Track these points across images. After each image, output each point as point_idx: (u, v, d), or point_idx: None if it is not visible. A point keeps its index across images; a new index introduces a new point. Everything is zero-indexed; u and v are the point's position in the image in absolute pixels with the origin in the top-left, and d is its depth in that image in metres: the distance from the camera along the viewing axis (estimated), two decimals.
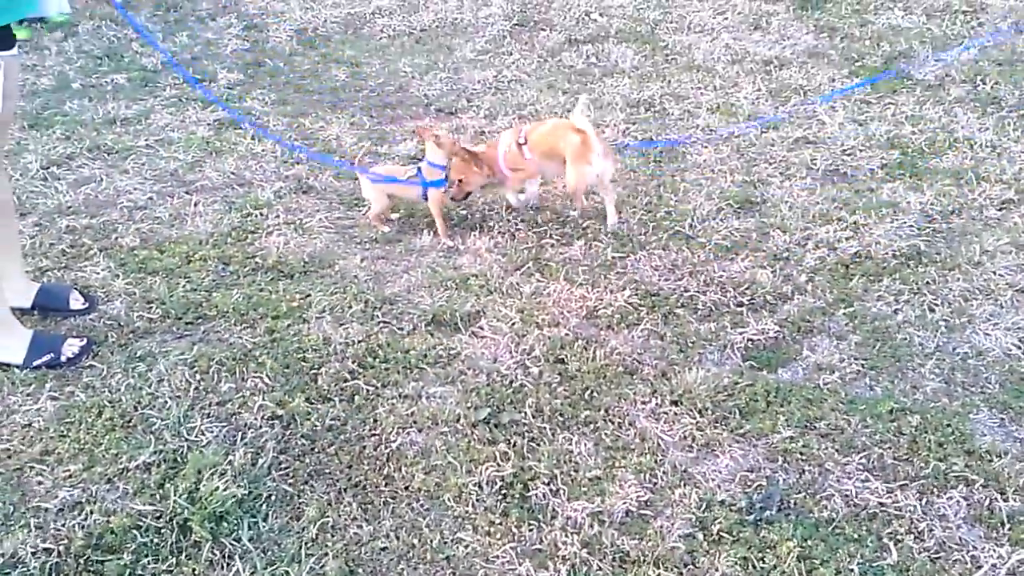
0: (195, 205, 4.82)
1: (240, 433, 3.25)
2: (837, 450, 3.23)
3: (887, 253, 4.57)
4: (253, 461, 3.15)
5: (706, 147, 5.80)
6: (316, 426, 3.30)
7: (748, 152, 5.76)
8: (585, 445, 3.22)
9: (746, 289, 4.22)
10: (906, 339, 3.90)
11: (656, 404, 3.43)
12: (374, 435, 3.28)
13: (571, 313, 3.99)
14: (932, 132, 5.98)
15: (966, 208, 5.09)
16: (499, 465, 3.11)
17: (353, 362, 3.60)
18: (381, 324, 3.89)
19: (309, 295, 4.07)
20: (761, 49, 7.29)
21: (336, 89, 6.62)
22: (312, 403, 3.41)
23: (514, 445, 3.21)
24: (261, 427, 3.29)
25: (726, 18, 7.78)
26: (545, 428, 3.29)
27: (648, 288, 4.22)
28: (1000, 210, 5.09)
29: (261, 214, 4.79)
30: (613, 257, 4.49)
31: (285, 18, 7.95)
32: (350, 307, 3.99)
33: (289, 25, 7.79)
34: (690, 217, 4.88)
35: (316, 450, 3.22)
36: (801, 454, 3.22)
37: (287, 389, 3.46)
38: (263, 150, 5.53)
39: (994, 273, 4.41)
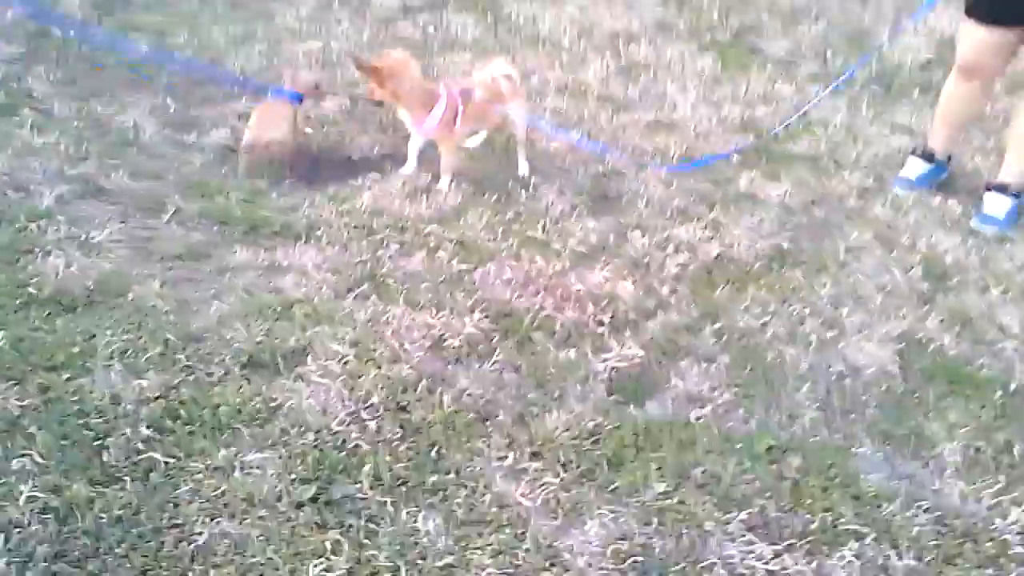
0: None
1: (2, 535, 2.56)
2: (716, 504, 2.88)
3: (750, 255, 4.28)
4: (20, 573, 2.47)
5: (556, 133, 5.34)
6: (101, 517, 2.66)
7: (600, 137, 5.35)
8: (434, 522, 2.72)
9: (607, 305, 3.82)
10: (778, 358, 3.60)
11: (514, 459, 2.97)
12: (175, 526, 2.67)
13: (414, 345, 3.46)
14: (786, 112, 5.74)
15: (826, 198, 4.89)
16: (330, 559, 2.57)
17: (148, 426, 2.95)
18: (185, 370, 3.24)
19: (94, 335, 3.36)
20: (608, 21, 6.89)
21: (136, 64, 5.73)
22: (96, 486, 2.75)
23: (348, 529, 2.68)
24: (30, 524, 2.61)
25: None
26: (386, 503, 2.77)
27: (500, 308, 3.74)
28: (860, 199, 4.91)
29: (38, 227, 3.98)
30: (460, 270, 3.98)
31: None
32: (146, 350, 3.31)
33: None
34: (543, 217, 4.42)
35: (102, 551, 2.58)
36: (677, 512, 2.84)
37: (64, 469, 2.79)
38: (44, 144, 4.66)
39: (861, 274, 4.20)
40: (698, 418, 3.26)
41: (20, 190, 4.29)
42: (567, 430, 3.10)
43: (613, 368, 3.46)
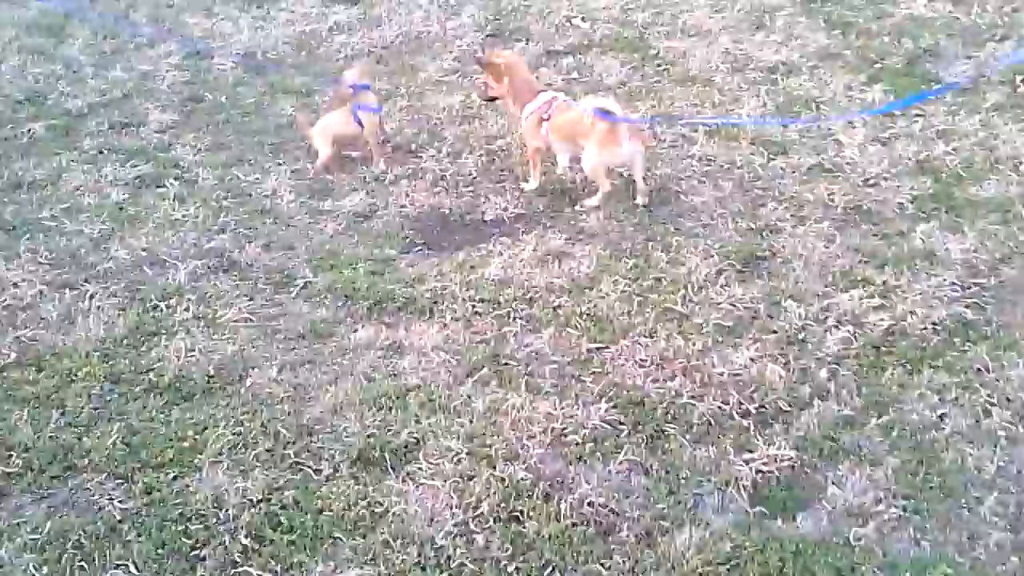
0: (90, 298, 4.01)
1: None
2: None
3: (925, 327, 3.72)
4: None
5: (704, 183, 4.92)
6: None
7: (754, 187, 4.89)
8: None
9: (753, 392, 3.39)
10: (957, 460, 3.06)
11: None
12: None
13: (533, 440, 3.16)
14: (969, 150, 5.09)
15: (1017, 254, 4.21)
16: None
17: (248, 535, 2.79)
18: (292, 467, 3.09)
19: (207, 428, 3.26)
20: (765, 53, 6.38)
21: (281, 127, 5.77)
22: None
23: None
24: None
25: (724, 17, 6.85)
26: None
27: (631, 395, 3.39)
28: None
29: (167, 306, 3.98)
30: (588, 350, 3.66)
31: (232, 41, 7.07)
32: (255, 443, 3.19)
33: (235, 49, 6.92)
34: (684, 285, 4.02)
35: None
36: None
37: None
38: (184, 216, 4.71)
39: None
40: (858, 539, 2.77)
41: (156, 265, 4.32)
42: (700, 552, 2.71)
43: (758, 472, 3.04)
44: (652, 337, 3.69)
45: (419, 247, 4.50)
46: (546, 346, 3.69)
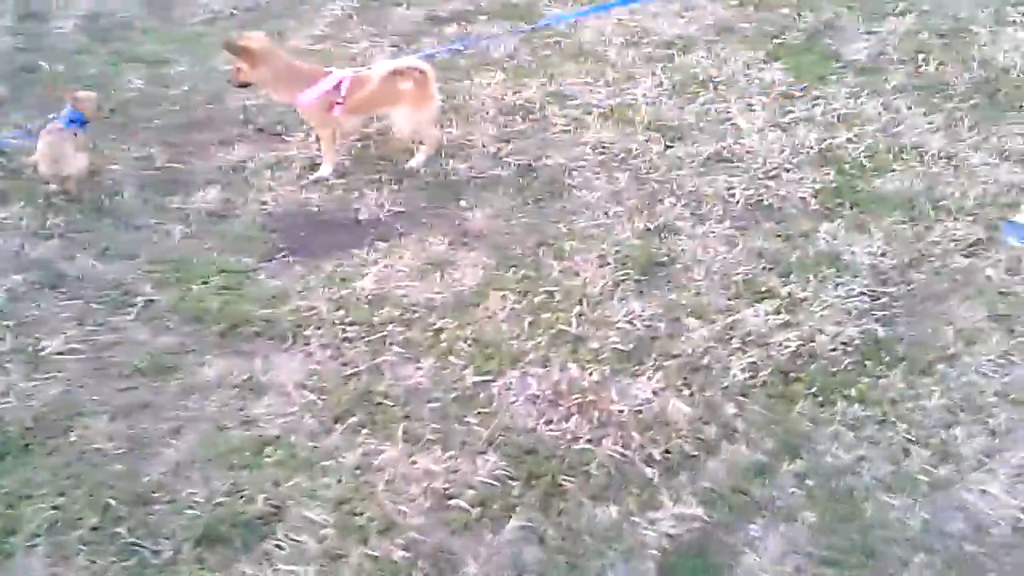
0: None
1: None
2: None
3: (835, 348, 3.46)
4: None
5: (598, 174, 4.53)
6: None
7: (650, 179, 4.53)
8: None
9: (656, 434, 3.03)
10: (879, 514, 2.80)
11: None
12: None
13: (412, 504, 2.74)
14: (872, 137, 4.85)
15: (926, 257, 4.00)
16: None
17: None
18: (125, 550, 2.58)
19: (22, 499, 2.72)
20: (661, 25, 6.01)
21: (126, 104, 5.07)
22: None
23: None
24: None
25: None
26: None
27: (522, 441, 3.01)
28: (967, 256, 4.01)
29: None
30: (475, 383, 3.24)
31: (73, 1, 6.24)
32: (80, 520, 2.68)
33: (77, 10, 6.10)
34: (579, 300, 3.64)
35: None
36: None
37: None
38: (5, 218, 4.04)
39: (976, 372, 3.33)
40: None
41: None
42: None
43: (666, 535, 2.69)
44: (545, 366, 3.31)
45: (283, 253, 3.98)
46: (426, 379, 3.25)
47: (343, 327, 3.49)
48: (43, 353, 3.32)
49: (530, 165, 4.64)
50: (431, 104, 4.40)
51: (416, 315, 3.56)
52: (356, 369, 3.29)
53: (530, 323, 3.51)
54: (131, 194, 4.30)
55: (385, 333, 3.47)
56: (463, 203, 4.35)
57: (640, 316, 3.57)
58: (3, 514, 2.71)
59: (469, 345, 3.40)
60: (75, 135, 4.17)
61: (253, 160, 4.59)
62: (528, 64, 5.55)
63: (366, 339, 3.44)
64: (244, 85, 4.44)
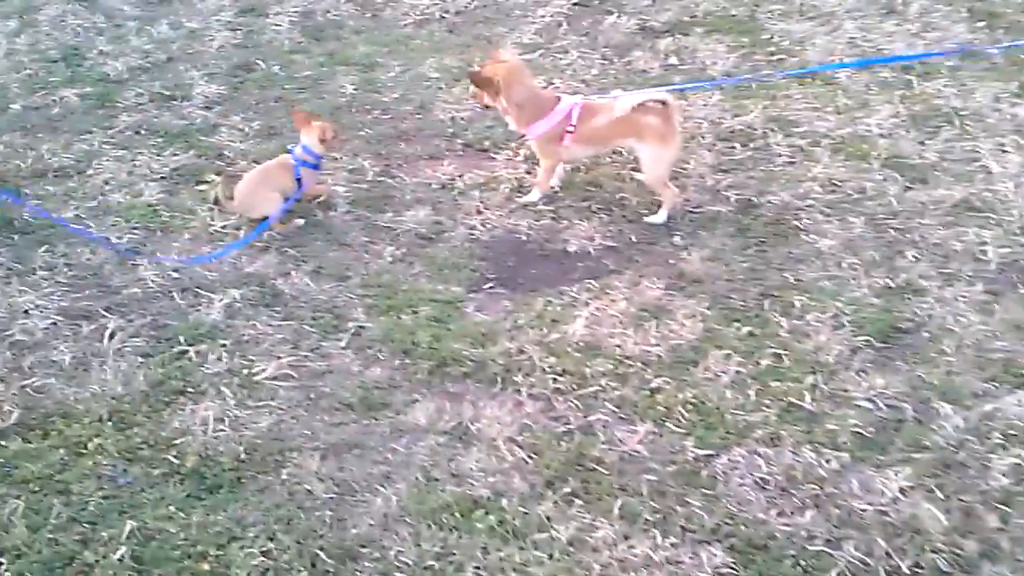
0: (109, 337, 3.43)
1: None
2: None
3: None
4: None
5: (828, 217, 4.15)
6: None
7: (888, 226, 4.11)
8: None
9: (905, 543, 2.69)
10: None
11: None
12: None
13: None
14: None
15: None
16: None
17: None
18: None
19: (232, 539, 2.68)
20: (897, 45, 5.47)
21: (338, 110, 5.08)
22: None
23: None
24: None
25: None
26: None
27: (751, 534, 2.74)
28: None
29: (198, 354, 3.39)
30: (695, 459, 2.97)
31: None
32: (289, 570, 2.60)
33: (293, 6, 6.18)
34: (812, 368, 3.31)
35: None
36: None
37: None
38: (224, 227, 4.09)
39: None
40: None
41: (188, 293, 3.72)
42: None
43: None
44: (775, 445, 3.01)
45: (490, 284, 3.84)
46: (643, 447, 3.01)
47: (554, 376, 3.30)
48: (257, 378, 3.31)
49: (751, 201, 4.31)
50: (675, 140, 4.03)
51: (631, 370, 3.33)
52: (568, 426, 3.11)
53: (757, 391, 3.21)
54: (343, 209, 4.25)
55: (598, 388, 3.26)
56: (677, 240, 4.07)
57: (883, 394, 3.21)
58: (215, 555, 2.67)
59: (689, 411, 3.15)
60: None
61: (462, 179, 4.47)
62: (748, 84, 5.17)
63: (578, 392, 3.25)
64: (488, 107, 4.29)
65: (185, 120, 4.96)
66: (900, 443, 3.02)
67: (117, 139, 4.79)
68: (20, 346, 3.41)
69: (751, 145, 4.71)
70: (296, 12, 6.12)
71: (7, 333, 3.45)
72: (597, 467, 2.96)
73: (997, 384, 3.26)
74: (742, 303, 3.68)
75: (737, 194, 4.34)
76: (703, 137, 4.77)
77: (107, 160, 4.58)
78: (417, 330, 3.53)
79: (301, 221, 4.15)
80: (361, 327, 3.58)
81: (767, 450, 2.99)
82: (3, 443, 2.99)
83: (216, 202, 4.13)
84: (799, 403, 3.16)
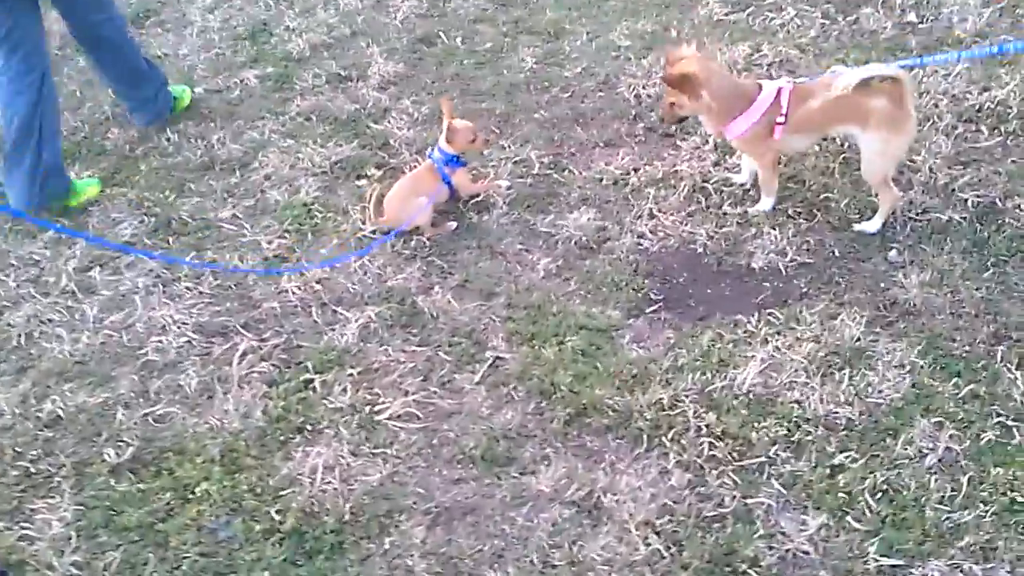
0: (240, 359, 3.26)
1: None
2: None
3: None
4: None
5: None
6: None
7: None
8: None
9: None
10: None
11: None
12: None
13: None
14: None
15: None
16: None
17: None
18: None
19: None
20: None
21: (515, 87, 4.65)
22: None
23: None
24: None
25: None
26: None
27: None
28: None
29: (324, 384, 3.14)
30: (877, 569, 2.35)
31: None
32: None
33: None
34: None
35: None
36: None
37: None
38: (375, 232, 3.81)
39: None
40: None
41: (327, 309, 3.48)
42: None
43: None
44: (986, 560, 2.29)
45: (654, 307, 3.31)
46: (812, 547, 2.41)
47: (711, 439, 2.75)
48: (380, 417, 3.00)
49: (995, 205, 3.46)
50: (908, 125, 3.23)
51: (809, 437, 2.71)
52: (721, 509, 2.56)
53: (972, 480, 2.49)
54: (499, 212, 3.84)
55: (764, 459, 2.68)
56: (893, 255, 3.32)
57: None
58: None
59: (878, 500, 2.51)
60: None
61: (637, 173, 3.91)
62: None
63: (738, 463, 2.68)
64: (680, 120, 3.66)
65: (357, 104, 4.71)
66: None
67: (287, 127, 4.63)
68: (150, 368, 3.31)
69: (1002, 129, 3.82)
70: None
71: (141, 352, 3.35)
72: (750, 570, 2.39)
73: None
74: (967, 349, 2.92)
75: (977, 195, 3.50)
76: (939, 118, 3.91)
77: (273, 152, 4.43)
78: (559, 367, 3.08)
79: (453, 224, 3.78)
80: (499, 358, 3.19)
81: (975, 566, 2.29)
82: (113, 482, 2.88)
83: (369, 219, 3.81)
84: None
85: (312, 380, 3.19)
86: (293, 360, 3.30)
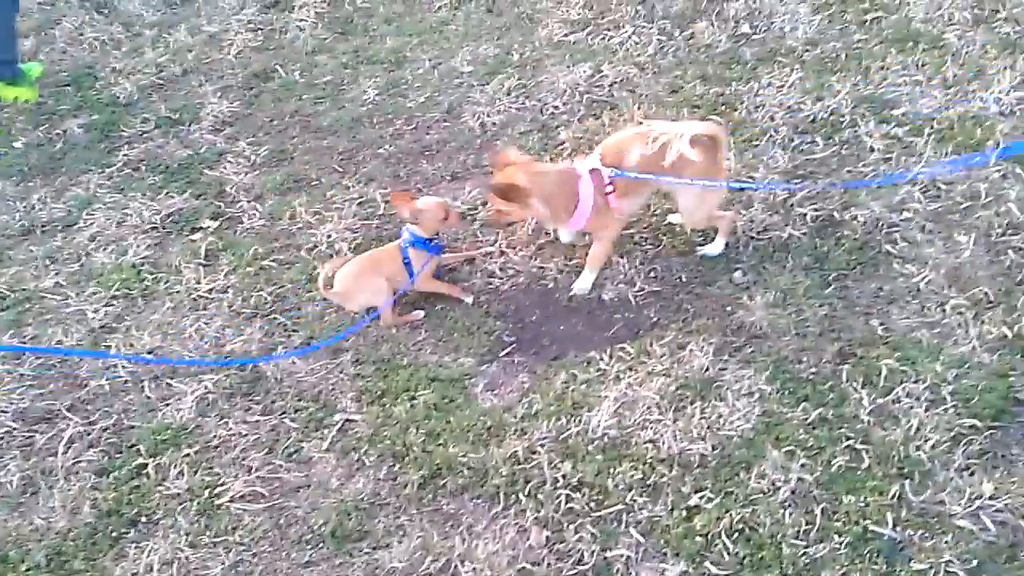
0: (66, 447, 2.99)
1: None
2: None
3: None
4: None
5: (929, 233, 3.32)
6: None
7: (1009, 246, 3.24)
8: None
9: None
10: None
11: None
12: None
13: None
14: None
15: None
16: None
17: None
18: None
19: None
20: None
21: (357, 122, 4.48)
22: None
23: None
24: None
25: None
26: None
27: None
28: None
29: (157, 469, 2.91)
30: None
31: None
32: None
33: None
34: (899, 470, 2.56)
35: None
36: None
37: None
38: (211, 290, 3.60)
39: None
40: None
41: (160, 383, 3.23)
42: None
43: None
44: None
45: (507, 349, 3.21)
46: None
47: (567, 491, 2.67)
48: (220, 501, 2.80)
49: (833, 218, 3.50)
50: (721, 178, 3.17)
51: (664, 479, 2.65)
52: (579, 567, 2.47)
53: (826, 511, 2.48)
54: (346, 254, 3.68)
55: (622, 506, 2.61)
56: (737, 276, 3.32)
57: (993, 510, 2.41)
58: None
59: (735, 541, 2.45)
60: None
61: (485, 206, 3.80)
62: (835, 53, 4.26)
63: (596, 514, 2.60)
64: (511, 224, 3.48)
65: (190, 149, 4.46)
66: None
67: (114, 179, 4.35)
68: None
69: (836, 139, 3.87)
70: (323, 2, 5.49)
71: None
72: None
73: None
74: (813, 371, 2.93)
75: (815, 209, 3.54)
76: (776, 131, 3.94)
77: (99, 208, 4.14)
78: (411, 426, 2.94)
79: (420, 313, 3.46)
80: (349, 420, 3.03)
81: None
82: None
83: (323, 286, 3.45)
84: (878, 530, 2.41)
85: (145, 465, 2.96)
86: (124, 443, 3.06)
